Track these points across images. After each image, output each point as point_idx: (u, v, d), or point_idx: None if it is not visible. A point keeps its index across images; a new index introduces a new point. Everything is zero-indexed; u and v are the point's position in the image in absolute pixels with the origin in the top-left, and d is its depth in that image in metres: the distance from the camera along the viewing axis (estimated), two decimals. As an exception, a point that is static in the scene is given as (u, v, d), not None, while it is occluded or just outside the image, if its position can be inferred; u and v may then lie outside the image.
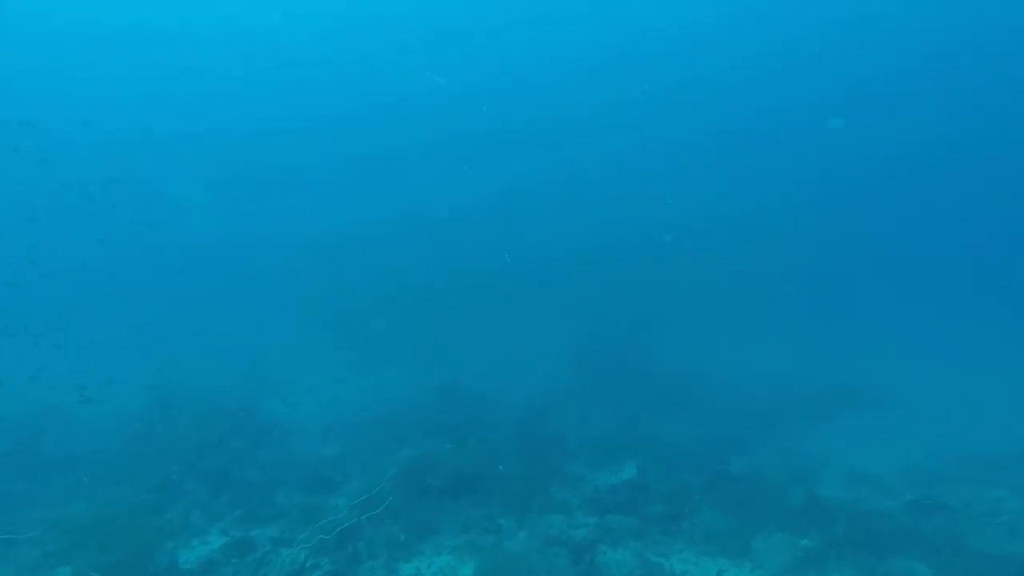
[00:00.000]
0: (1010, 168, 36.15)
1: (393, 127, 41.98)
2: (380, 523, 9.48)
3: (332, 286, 19.88)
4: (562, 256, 26.25)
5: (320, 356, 19.37)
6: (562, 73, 42.85)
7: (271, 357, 17.38)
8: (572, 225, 28.86)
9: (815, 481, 11.65)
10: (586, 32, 41.16)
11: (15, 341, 11.40)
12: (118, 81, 38.48)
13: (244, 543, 9.31)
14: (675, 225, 28.61)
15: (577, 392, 18.34)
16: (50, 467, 11.81)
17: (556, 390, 18.18)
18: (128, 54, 40.11)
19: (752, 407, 17.07)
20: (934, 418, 15.88)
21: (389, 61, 42.93)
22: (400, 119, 41.84)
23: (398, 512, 9.78)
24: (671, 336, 23.17)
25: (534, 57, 42.75)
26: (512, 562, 8.45)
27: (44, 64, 38.28)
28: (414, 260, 22.37)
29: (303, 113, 42.59)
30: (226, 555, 8.71)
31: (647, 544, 9.34)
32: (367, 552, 9.04)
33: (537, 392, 17.57)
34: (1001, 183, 36.68)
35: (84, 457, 12.13)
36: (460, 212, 27.91)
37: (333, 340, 20.04)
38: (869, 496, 10.69)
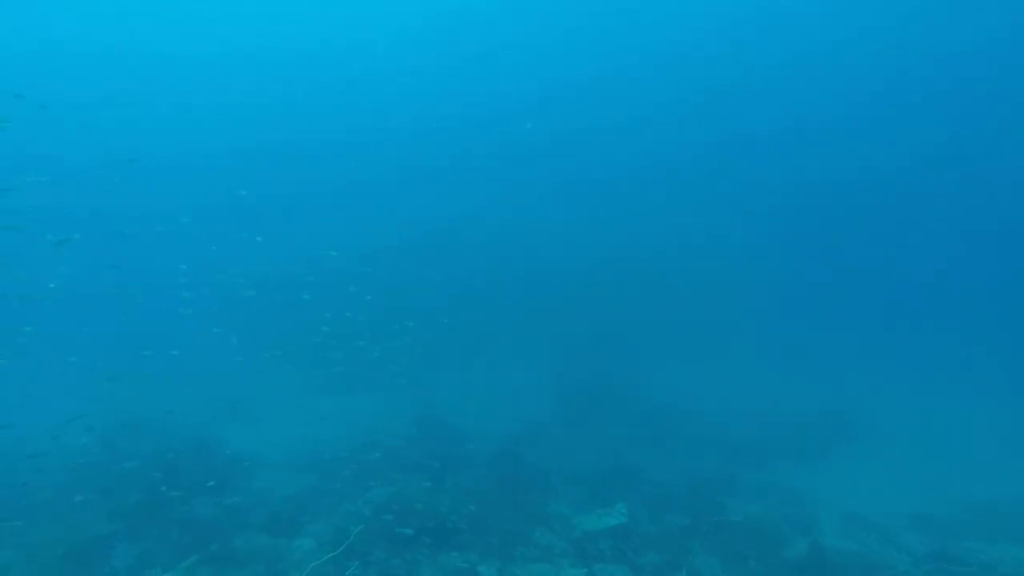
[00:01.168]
0: (997, 180, 37.31)
1: (369, 155, 41.87)
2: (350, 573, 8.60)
3: (300, 315, 18.99)
4: (538, 286, 25.83)
5: (287, 387, 18.40)
6: (531, 101, 43.59)
7: (236, 389, 16.34)
8: (547, 255, 28.58)
9: (816, 527, 11.15)
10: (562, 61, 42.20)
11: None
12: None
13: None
14: (650, 254, 28.60)
15: (557, 426, 17.71)
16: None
17: (536, 423, 17.51)
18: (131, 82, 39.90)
19: (739, 441, 16.66)
20: (929, 454, 15.66)
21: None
22: (371, 150, 41.81)
23: (370, 561, 8.92)
24: (652, 367, 22.81)
25: (503, 88, 43.53)
26: (494, 619, 7.66)
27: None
28: (386, 288, 21.67)
29: (275, 143, 42.16)
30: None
31: (640, 597, 8.66)
32: (333, 607, 8.15)
33: (516, 425, 16.90)
34: (989, 197, 37.73)
35: (23, 497, 10.93)
36: (429, 239, 27.38)
37: (300, 371, 19.09)
38: (878, 549, 10.19)
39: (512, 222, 30.30)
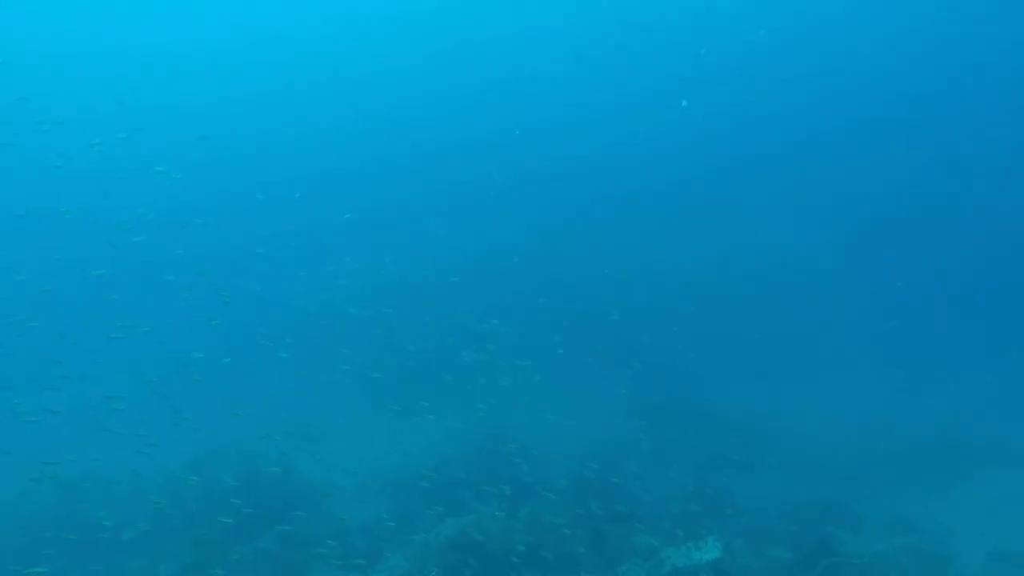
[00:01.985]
0: None
1: (436, 172, 42.36)
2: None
3: (366, 335, 19.01)
4: (606, 296, 24.79)
5: (355, 409, 18.38)
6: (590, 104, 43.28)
7: (303, 412, 16.48)
8: (613, 264, 27.50)
9: (955, 569, 9.48)
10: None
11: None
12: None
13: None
14: (719, 263, 26.91)
15: (637, 447, 16.56)
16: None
17: (614, 444, 16.45)
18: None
19: (845, 464, 14.83)
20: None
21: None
22: (439, 165, 42.26)
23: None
24: (736, 380, 21.09)
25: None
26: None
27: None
28: (452, 304, 21.40)
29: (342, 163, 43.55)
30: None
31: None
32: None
33: (593, 447, 15.91)
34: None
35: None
36: (493, 254, 27.01)
37: (368, 392, 19.06)
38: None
39: (560, 236, 29.61)
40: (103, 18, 44.47)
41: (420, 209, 38.02)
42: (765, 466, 15.54)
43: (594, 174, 39.86)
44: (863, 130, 38.82)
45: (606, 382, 20.96)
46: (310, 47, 46.98)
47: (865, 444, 16.23)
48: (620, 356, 21.84)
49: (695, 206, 35.30)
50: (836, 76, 39.61)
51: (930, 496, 12.26)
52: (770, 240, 29.55)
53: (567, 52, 43.56)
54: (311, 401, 18.47)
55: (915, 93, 38.13)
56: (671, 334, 22.39)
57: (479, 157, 40.64)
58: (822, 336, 23.41)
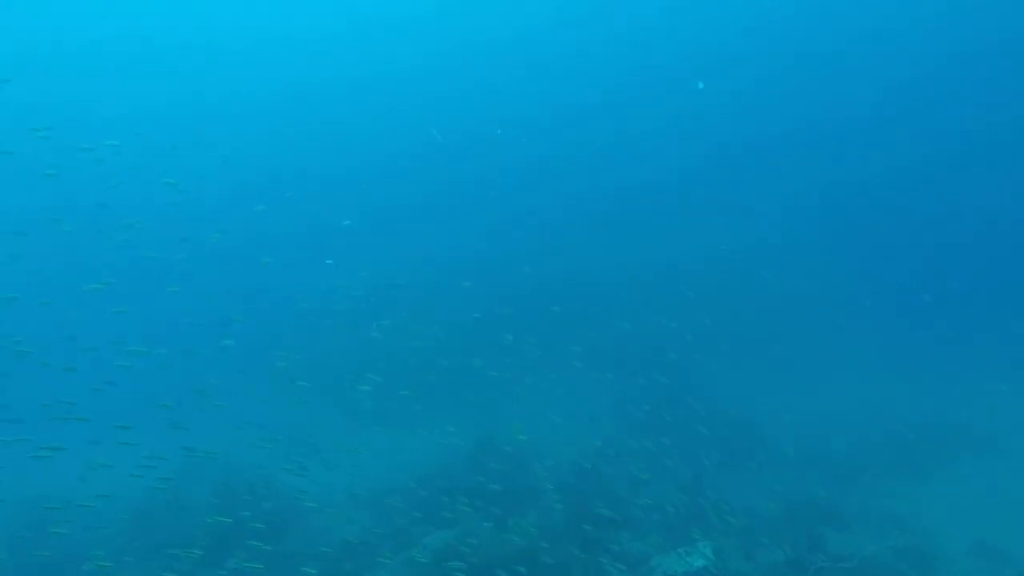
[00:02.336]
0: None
1: (415, 175, 41.82)
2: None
3: (345, 343, 18.59)
4: (594, 296, 24.59)
5: (335, 420, 17.95)
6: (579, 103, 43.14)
7: (284, 424, 16.01)
8: (599, 263, 27.33)
9: (940, 565, 9.43)
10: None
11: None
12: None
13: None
14: (706, 260, 26.92)
15: (627, 450, 16.40)
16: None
17: (602, 448, 16.28)
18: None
19: (833, 459, 14.82)
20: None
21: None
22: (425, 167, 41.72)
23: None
24: (725, 380, 21.04)
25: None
26: None
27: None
28: (437, 308, 21.05)
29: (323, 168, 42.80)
30: None
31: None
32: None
33: (581, 452, 15.75)
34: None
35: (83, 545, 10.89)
36: (477, 259, 26.72)
37: (348, 402, 18.68)
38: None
39: (557, 235, 29.38)
40: (104, 16, 43.39)
41: (418, 210, 37.65)
42: (753, 463, 15.47)
43: (590, 172, 39.83)
44: (859, 125, 38.97)
45: (597, 384, 20.79)
46: (311, 47, 46.32)
47: (850, 438, 16.28)
48: (610, 357, 21.69)
49: (691, 203, 35.38)
50: (836, 67, 39.41)
51: (916, 488, 12.23)
52: (757, 238, 29.65)
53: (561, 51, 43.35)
54: (299, 413, 18.02)
55: (909, 87, 38.10)
56: (661, 335, 22.28)
57: (479, 157, 40.44)
58: (809, 335, 23.51)
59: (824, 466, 15.64)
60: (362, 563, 10.26)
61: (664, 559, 9.33)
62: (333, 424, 18.36)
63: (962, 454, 14.28)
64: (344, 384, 17.33)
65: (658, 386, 19.59)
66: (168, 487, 11.41)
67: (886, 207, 35.82)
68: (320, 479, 13.87)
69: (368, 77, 46.89)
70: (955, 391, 18.24)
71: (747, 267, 26.66)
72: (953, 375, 20.30)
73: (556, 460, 15.24)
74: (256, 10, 45.70)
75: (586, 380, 21.04)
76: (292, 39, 46.44)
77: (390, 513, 12.38)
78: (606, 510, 11.84)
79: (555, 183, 38.16)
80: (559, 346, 20.60)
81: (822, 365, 21.02)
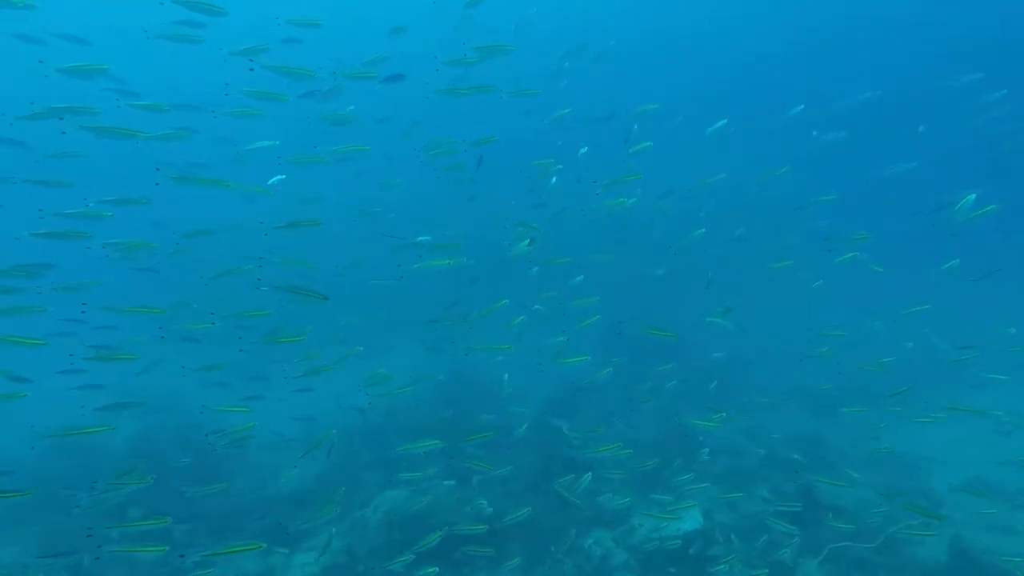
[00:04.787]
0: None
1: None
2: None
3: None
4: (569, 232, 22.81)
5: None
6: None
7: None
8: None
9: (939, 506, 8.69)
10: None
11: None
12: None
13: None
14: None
15: (605, 387, 15.39)
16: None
17: (581, 384, 15.26)
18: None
19: (820, 393, 14.05)
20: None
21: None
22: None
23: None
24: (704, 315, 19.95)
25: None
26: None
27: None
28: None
29: None
30: None
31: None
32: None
33: (558, 389, 14.72)
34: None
35: None
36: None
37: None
38: None
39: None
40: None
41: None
42: (737, 400, 14.66)
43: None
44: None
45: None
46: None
47: (836, 371, 15.53)
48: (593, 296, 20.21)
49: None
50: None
51: (901, 421, 11.50)
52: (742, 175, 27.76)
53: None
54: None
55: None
56: (643, 271, 20.94)
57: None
58: (794, 269, 22.30)
59: (808, 401, 15.03)
60: (307, 521, 9.06)
61: (647, 518, 8.30)
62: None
63: (944, 379, 13.72)
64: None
65: (639, 322, 18.37)
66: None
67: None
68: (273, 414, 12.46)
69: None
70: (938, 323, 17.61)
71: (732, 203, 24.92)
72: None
73: (531, 396, 14.22)
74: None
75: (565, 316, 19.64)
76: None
77: (345, 460, 11.18)
78: (577, 451, 10.89)
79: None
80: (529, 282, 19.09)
81: (805, 303, 20.03)
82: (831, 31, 38.41)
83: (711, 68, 39.87)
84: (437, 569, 6.61)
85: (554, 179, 14.53)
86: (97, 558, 8.25)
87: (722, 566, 6.57)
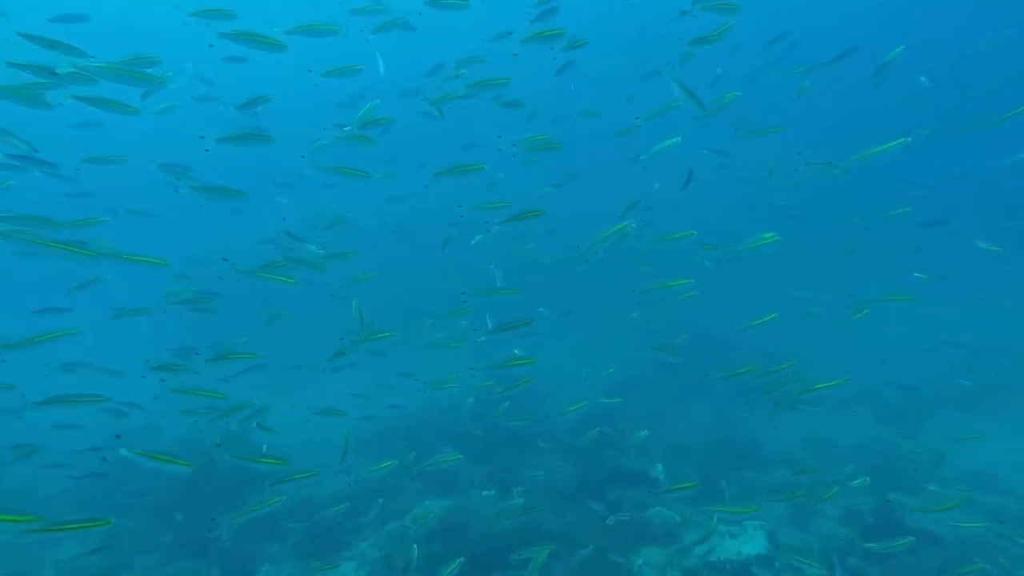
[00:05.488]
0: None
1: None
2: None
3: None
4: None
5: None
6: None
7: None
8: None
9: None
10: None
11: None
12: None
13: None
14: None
15: (651, 391, 14.70)
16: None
17: (625, 389, 14.61)
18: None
19: (886, 398, 12.95)
20: None
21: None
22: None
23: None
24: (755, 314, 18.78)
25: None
26: None
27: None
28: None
29: None
30: None
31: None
32: None
33: (602, 395, 14.08)
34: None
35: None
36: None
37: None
38: None
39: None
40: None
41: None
42: (794, 406, 13.67)
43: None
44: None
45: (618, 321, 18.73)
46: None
47: (904, 373, 14.29)
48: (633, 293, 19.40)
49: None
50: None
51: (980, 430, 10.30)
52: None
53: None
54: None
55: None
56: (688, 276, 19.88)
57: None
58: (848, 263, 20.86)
59: (872, 406, 13.90)
60: (347, 532, 8.86)
61: (701, 535, 7.68)
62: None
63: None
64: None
65: (683, 325, 17.54)
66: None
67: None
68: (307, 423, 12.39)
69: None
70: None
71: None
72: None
73: (572, 403, 13.68)
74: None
75: (607, 317, 18.94)
76: None
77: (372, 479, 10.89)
78: (625, 461, 10.34)
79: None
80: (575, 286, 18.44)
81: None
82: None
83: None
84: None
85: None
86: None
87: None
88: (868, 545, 6.58)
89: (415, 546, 7.45)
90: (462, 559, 6.21)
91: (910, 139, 5.77)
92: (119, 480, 10.25)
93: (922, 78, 27.73)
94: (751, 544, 6.80)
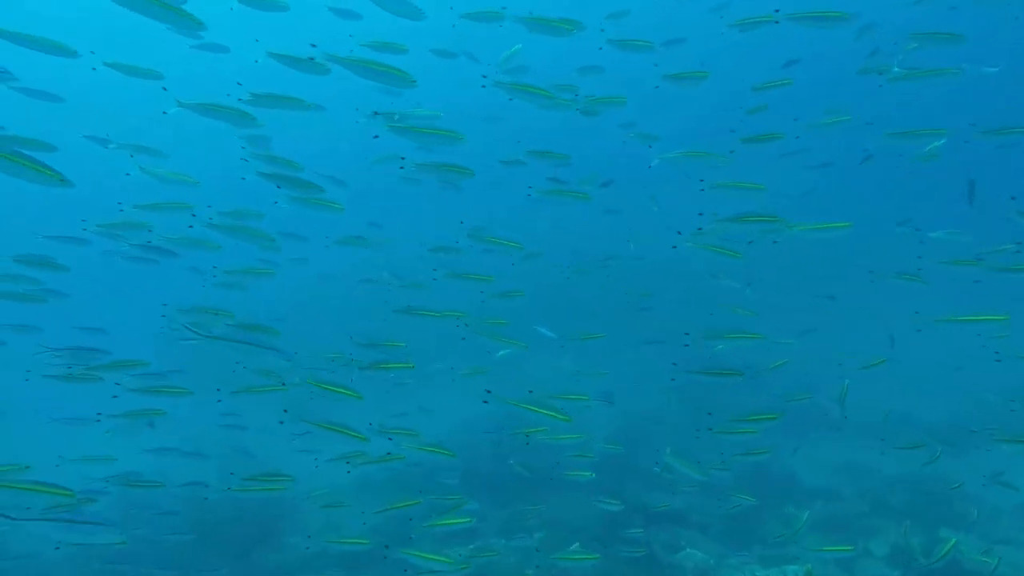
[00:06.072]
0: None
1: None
2: None
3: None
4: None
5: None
6: None
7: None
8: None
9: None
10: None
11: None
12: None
13: None
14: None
15: (673, 418, 14.07)
16: None
17: (645, 418, 14.01)
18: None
19: (929, 426, 12.21)
20: None
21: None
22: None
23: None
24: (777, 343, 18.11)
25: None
26: None
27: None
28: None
29: None
30: None
31: None
32: None
33: (621, 428, 13.55)
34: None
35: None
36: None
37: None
38: None
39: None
40: None
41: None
42: (825, 435, 12.98)
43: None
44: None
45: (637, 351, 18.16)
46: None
47: (943, 401, 13.56)
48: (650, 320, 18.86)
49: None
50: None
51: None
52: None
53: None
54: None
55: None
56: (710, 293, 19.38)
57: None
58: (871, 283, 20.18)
59: (911, 431, 13.11)
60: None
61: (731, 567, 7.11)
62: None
63: None
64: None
65: (705, 350, 16.95)
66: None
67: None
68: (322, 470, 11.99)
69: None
70: None
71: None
72: None
73: (591, 438, 13.11)
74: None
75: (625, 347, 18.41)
76: None
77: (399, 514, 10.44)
78: (651, 500, 9.76)
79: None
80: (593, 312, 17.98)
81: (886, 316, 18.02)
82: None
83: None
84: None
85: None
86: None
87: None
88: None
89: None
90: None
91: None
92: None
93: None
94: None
